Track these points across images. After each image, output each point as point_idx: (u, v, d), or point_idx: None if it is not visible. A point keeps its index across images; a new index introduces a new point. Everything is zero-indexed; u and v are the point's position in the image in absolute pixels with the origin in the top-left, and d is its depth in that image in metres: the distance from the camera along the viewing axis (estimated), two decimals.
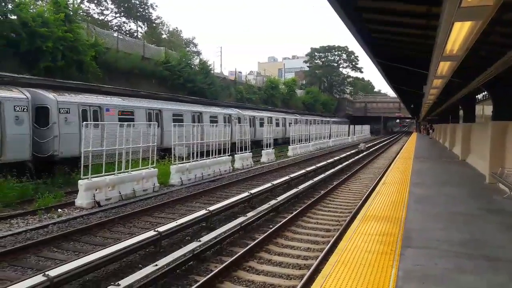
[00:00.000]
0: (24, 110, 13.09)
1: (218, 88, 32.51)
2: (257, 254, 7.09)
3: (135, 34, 45.56)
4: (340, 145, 40.65)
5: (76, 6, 22.79)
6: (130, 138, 12.33)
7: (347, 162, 20.86)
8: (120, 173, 11.81)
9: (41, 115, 14.01)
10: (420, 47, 9.41)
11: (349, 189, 14.08)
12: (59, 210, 10.39)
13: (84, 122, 11.44)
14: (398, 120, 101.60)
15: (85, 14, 36.80)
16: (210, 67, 33.11)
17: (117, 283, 5.12)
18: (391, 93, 61.67)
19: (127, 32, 44.25)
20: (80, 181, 10.75)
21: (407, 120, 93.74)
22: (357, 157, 24.57)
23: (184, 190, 13.33)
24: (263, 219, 9.50)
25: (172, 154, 14.78)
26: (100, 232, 8.55)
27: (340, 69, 75.96)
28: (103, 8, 43.43)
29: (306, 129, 32.30)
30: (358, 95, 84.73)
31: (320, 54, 73.43)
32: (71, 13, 19.42)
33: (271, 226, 8.86)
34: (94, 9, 42.75)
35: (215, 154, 17.09)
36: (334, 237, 7.74)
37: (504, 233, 5.84)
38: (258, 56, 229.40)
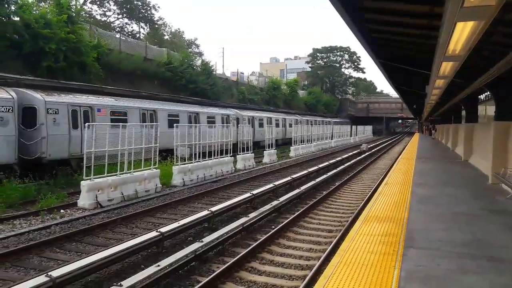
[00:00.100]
0: (9, 111, 12.56)
1: (220, 89, 32.46)
2: (259, 255, 7.09)
3: (138, 35, 45.76)
4: (342, 145, 40.62)
5: (78, 7, 22.91)
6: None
7: (349, 163, 20.84)
8: (122, 174, 11.83)
9: (28, 115, 13.44)
10: (421, 47, 9.41)
11: (351, 190, 14.06)
12: (62, 211, 10.43)
13: (86, 123, 11.36)
14: (400, 121, 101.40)
15: (87, 15, 36.97)
16: (212, 68, 33.15)
17: (119, 283, 5.14)
18: (393, 93, 61.61)
19: (130, 33, 44.45)
20: (82, 182, 10.77)
21: (410, 120, 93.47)
22: (359, 157, 24.58)
23: (186, 191, 13.35)
24: (265, 219, 9.50)
25: (175, 155, 14.78)
26: (103, 233, 8.56)
27: (342, 69, 75.98)
28: (105, 9, 43.75)
29: (308, 129, 32.25)
30: (360, 96, 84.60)
31: (322, 54, 73.45)
32: (74, 14, 19.56)
33: (273, 226, 8.86)
34: (96, 10, 43.09)
35: (217, 154, 17.10)
36: (336, 238, 7.73)
37: (506, 233, 5.83)
38: (260, 56, 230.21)
